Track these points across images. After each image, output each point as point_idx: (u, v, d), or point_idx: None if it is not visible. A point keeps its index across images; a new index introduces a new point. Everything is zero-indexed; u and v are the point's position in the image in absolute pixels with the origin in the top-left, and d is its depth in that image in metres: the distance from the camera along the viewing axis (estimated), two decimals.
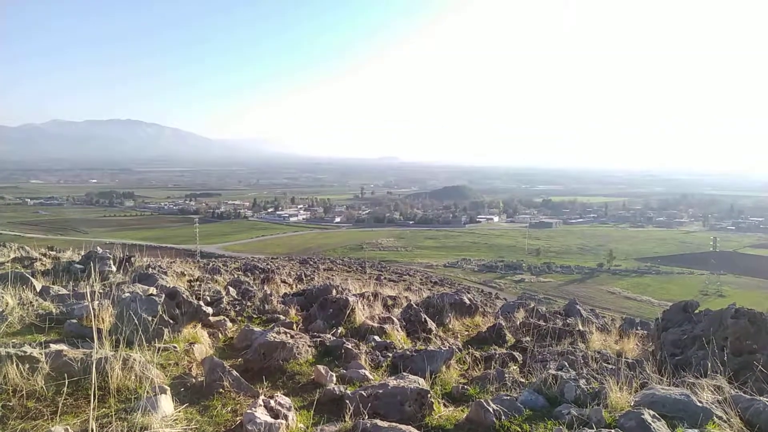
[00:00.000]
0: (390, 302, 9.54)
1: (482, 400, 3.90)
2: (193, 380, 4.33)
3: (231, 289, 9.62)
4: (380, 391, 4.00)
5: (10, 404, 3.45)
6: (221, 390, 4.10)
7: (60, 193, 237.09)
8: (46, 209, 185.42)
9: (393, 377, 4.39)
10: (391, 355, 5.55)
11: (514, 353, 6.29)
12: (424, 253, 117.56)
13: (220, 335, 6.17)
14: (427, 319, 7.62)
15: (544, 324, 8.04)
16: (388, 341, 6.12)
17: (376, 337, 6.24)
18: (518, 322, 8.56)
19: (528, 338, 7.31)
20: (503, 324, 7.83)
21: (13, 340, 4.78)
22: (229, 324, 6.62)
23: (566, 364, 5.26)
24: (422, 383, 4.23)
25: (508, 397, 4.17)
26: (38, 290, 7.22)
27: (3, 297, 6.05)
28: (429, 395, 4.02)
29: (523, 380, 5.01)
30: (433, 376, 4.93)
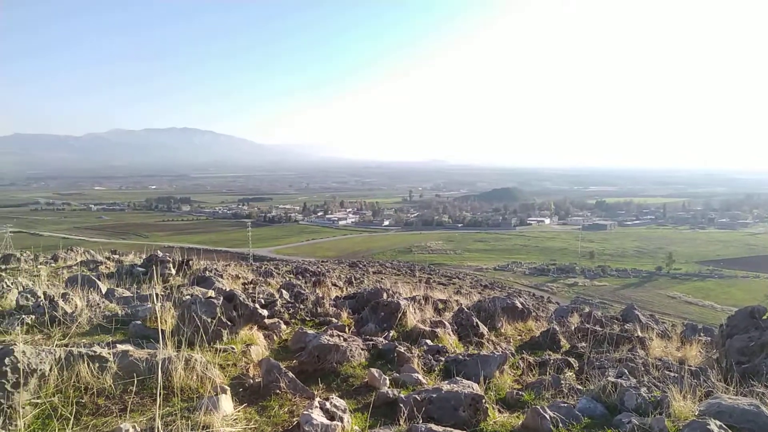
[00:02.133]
0: (441, 306, 9.50)
1: (538, 407, 3.83)
2: (251, 381, 4.44)
3: (284, 292, 9.81)
4: (434, 396, 3.99)
5: (83, 401, 3.64)
6: (278, 391, 4.19)
7: (121, 198, 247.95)
8: (108, 214, 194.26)
9: (446, 381, 4.37)
10: (443, 359, 5.53)
11: (570, 359, 6.14)
12: (474, 256, 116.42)
13: (275, 337, 6.30)
14: (479, 323, 7.55)
15: (600, 329, 7.82)
16: (440, 345, 6.10)
17: (428, 341, 6.23)
18: (573, 327, 8.35)
19: (584, 344, 7.13)
20: (557, 329, 7.66)
21: (83, 340, 5.05)
22: (284, 326, 6.75)
23: (626, 371, 5.10)
24: (476, 388, 4.20)
25: (565, 404, 4.08)
26: (104, 292, 7.58)
27: (73, 299, 6.39)
28: (483, 400, 3.98)
29: (580, 387, 4.88)
30: (487, 381, 4.88)
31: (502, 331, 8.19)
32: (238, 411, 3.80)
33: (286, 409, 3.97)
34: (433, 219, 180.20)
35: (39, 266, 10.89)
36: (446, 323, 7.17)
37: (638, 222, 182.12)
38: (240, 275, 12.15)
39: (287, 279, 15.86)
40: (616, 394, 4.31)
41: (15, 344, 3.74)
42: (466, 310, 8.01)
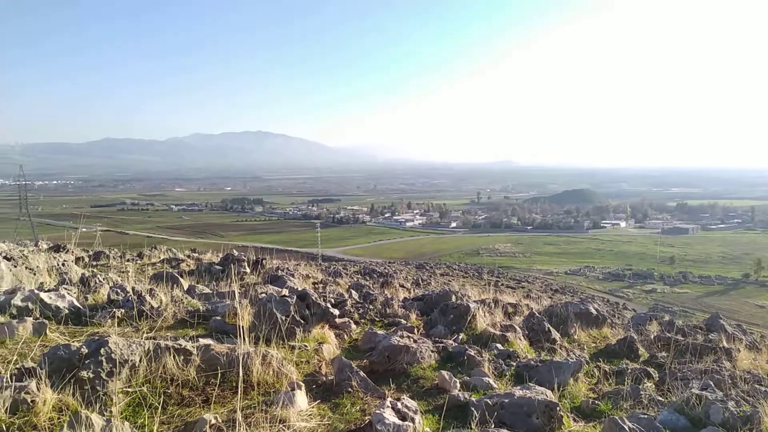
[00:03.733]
0: (510, 310, 9.33)
1: (617, 417, 3.70)
2: (324, 378, 4.55)
3: (353, 292, 9.96)
4: (506, 401, 3.94)
5: (169, 391, 3.86)
6: (350, 389, 4.28)
7: (200, 199, 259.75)
8: (188, 214, 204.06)
9: (519, 387, 4.30)
10: (514, 364, 5.44)
11: (649, 369, 5.88)
12: (544, 259, 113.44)
13: (345, 336, 6.42)
14: (551, 328, 7.36)
15: (682, 339, 7.43)
16: (511, 350, 6.00)
17: (499, 345, 6.15)
18: (652, 336, 7.99)
19: (664, 354, 6.80)
20: (635, 337, 7.35)
21: (168, 334, 5.35)
22: (353, 326, 6.86)
23: (711, 383, 4.82)
24: (550, 395, 4.10)
25: (645, 416, 3.91)
26: (186, 289, 7.98)
27: (158, 294, 6.77)
28: (558, 408, 3.89)
29: (660, 399, 4.67)
30: (561, 389, 4.76)
31: (575, 337, 7.95)
32: (312, 407, 3.91)
33: (357, 408, 4.04)
34: (502, 221, 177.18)
35: (126, 263, 11.61)
36: (517, 327, 7.04)
37: (723, 226, 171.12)
38: (310, 275, 12.45)
39: (355, 279, 16.08)
40: (700, 407, 4.09)
41: (109, 336, 4.02)
42: (537, 314, 7.83)
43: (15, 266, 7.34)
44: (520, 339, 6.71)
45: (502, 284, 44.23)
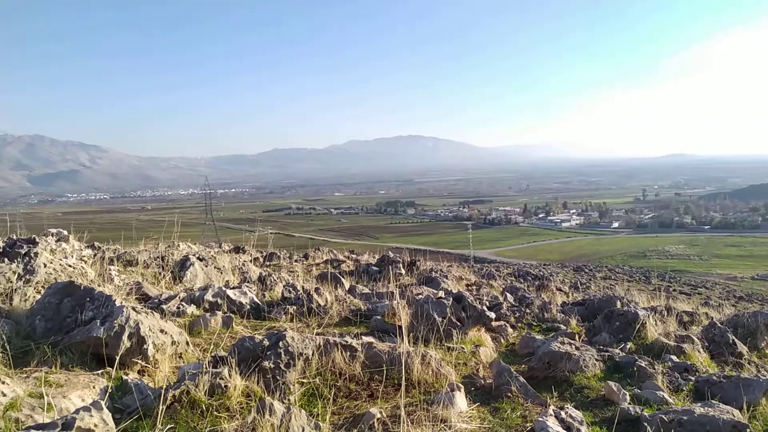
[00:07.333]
0: (686, 319, 8.50)
1: None
2: (482, 381, 4.56)
3: (508, 295, 9.78)
4: (684, 418, 3.61)
5: (338, 384, 4.15)
6: (509, 394, 4.23)
7: (356, 203, 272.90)
8: (345, 217, 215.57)
9: (699, 404, 3.92)
10: (693, 378, 4.95)
11: None
12: (725, 262, 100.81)
13: (501, 340, 6.35)
14: (736, 341, 6.57)
15: None
16: (689, 363, 5.47)
17: (673, 357, 5.64)
18: None
19: None
20: None
21: (335, 330, 5.74)
22: (510, 330, 6.76)
23: None
24: (737, 415, 3.68)
25: None
26: (347, 288, 8.48)
27: (324, 293, 7.29)
28: (748, 430, 3.47)
29: None
30: (751, 409, 4.23)
31: (767, 352, 7.01)
32: (472, 409, 3.94)
33: (518, 413, 3.98)
34: (672, 220, 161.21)
35: (294, 263, 12.63)
36: (694, 338, 6.40)
37: None
38: (463, 276, 12.48)
39: (509, 282, 15.77)
40: None
41: (286, 330, 4.43)
42: (719, 324, 7.02)
43: (206, 266, 8.39)
44: (698, 351, 6.09)
45: (675, 290, 40.22)
